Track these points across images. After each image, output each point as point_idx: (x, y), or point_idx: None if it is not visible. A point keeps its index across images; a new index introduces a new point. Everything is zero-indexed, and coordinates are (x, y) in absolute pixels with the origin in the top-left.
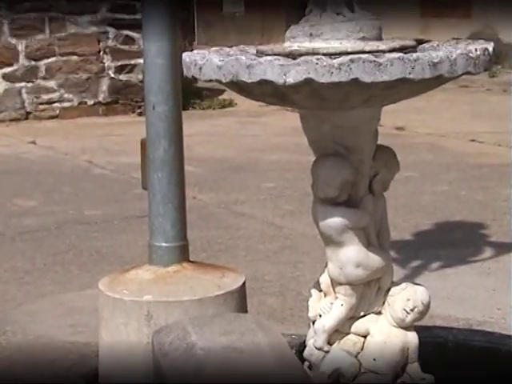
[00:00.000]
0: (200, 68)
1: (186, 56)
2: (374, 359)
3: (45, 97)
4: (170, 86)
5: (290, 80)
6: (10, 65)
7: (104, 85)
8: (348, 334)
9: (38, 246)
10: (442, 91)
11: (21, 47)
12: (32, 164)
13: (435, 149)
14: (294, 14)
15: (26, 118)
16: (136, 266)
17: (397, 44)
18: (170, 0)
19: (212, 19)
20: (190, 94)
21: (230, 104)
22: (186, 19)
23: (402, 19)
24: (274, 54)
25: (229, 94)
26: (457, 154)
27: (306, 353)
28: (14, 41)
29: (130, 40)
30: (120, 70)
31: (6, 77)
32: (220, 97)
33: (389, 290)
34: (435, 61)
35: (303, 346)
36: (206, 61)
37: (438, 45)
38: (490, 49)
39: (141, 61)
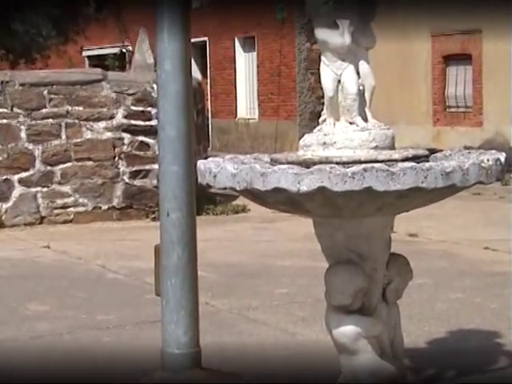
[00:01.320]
0: (214, 176)
1: (200, 164)
2: None
3: (60, 201)
4: (185, 193)
5: (304, 188)
6: (26, 170)
7: (118, 190)
8: None
9: (51, 351)
10: (455, 198)
11: (37, 152)
12: (45, 268)
13: (449, 256)
14: (306, 121)
15: (41, 223)
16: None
17: (409, 153)
18: (184, 111)
19: (226, 125)
20: (204, 199)
21: (244, 210)
22: (200, 125)
23: (415, 127)
24: (288, 163)
25: (242, 200)
26: (470, 261)
27: None
28: (30, 146)
29: (144, 146)
30: (135, 175)
31: (21, 181)
32: (233, 202)
33: None
34: (448, 170)
35: None
36: (221, 169)
37: (450, 154)
38: (502, 159)
39: (155, 166)
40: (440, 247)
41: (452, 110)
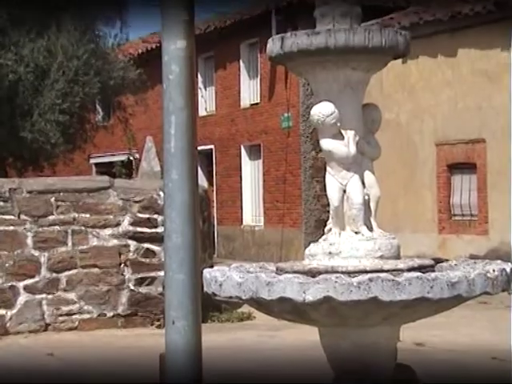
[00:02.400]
0: (220, 285)
1: (206, 272)
2: None
3: (65, 308)
4: (191, 301)
5: (310, 298)
6: (32, 276)
7: (124, 297)
8: None
9: None
10: (462, 307)
11: (43, 259)
12: (49, 376)
13: (456, 366)
14: (312, 229)
15: (45, 330)
16: None
17: (415, 263)
18: (190, 220)
19: (232, 232)
20: (210, 306)
21: (249, 317)
22: (206, 232)
23: (420, 235)
24: (294, 272)
25: (247, 307)
26: (479, 371)
27: None
28: (36, 253)
29: (150, 253)
30: (140, 282)
31: (27, 288)
32: (239, 310)
33: None
34: (453, 281)
35: None
36: (227, 277)
37: (455, 264)
38: (508, 269)
39: (161, 273)
40: (447, 357)
41: (457, 218)
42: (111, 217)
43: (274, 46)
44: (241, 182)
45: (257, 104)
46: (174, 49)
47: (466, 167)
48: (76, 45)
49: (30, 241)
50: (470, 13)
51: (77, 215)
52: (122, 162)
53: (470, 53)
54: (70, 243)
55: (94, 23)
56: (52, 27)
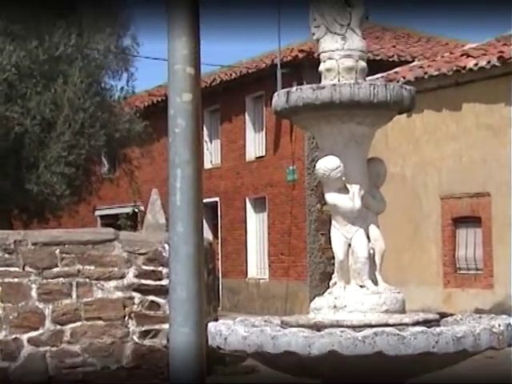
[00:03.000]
0: (225, 338)
1: (211, 326)
2: None
3: (68, 361)
4: (195, 354)
5: (315, 352)
6: (36, 329)
7: (128, 350)
8: None
9: None
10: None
11: (47, 311)
12: None
13: None
14: (317, 281)
15: (49, 383)
16: None
17: (420, 317)
18: (195, 274)
19: (236, 285)
20: (214, 360)
21: (253, 371)
22: (211, 285)
23: (426, 288)
24: (299, 326)
25: (252, 361)
26: None
27: None
28: (41, 305)
29: (155, 305)
30: (144, 334)
31: (30, 341)
32: (243, 363)
33: None
34: (459, 335)
35: None
36: (232, 331)
37: (461, 318)
38: None
39: (165, 326)
40: None
41: (462, 271)
42: (116, 269)
43: (279, 100)
44: (246, 235)
45: (262, 157)
46: (180, 102)
47: (471, 221)
48: (82, 97)
49: (34, 293)
50: (475, 67)
51: (81, 267)
52: (127, 214)
53: (474, 107)
54: (74, 295)
55: (101, 75)
56: (59, 80)
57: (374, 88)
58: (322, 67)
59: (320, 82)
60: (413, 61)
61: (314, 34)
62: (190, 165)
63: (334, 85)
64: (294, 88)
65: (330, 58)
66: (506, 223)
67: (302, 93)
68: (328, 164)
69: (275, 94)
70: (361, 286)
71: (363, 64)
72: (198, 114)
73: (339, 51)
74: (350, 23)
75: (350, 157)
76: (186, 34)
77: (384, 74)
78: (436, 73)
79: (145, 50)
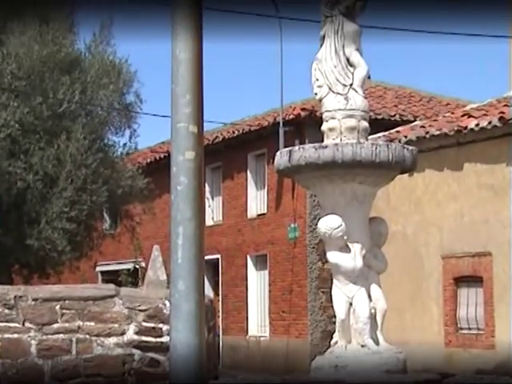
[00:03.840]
0: None
1: None
2: None
3: None
4: None
5: None
6: None
7: None
8: None
9: None
10: None
11: (46, 368)
12: None
13: None
14: (318, 340)
15: None
16: None
17: (421, 377)
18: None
19: (237, 343)
20: None
21: None
22: (211, 343)
23: (427, 348)
24: (300, 383)
25: None
26: None
27: None
28: (40, 361)
29: (155, 362)
30: None
31: None
32: None
33: None
34: None
35: None
36: None
37: (462, 377)
38: None
39: None
40: None
41: (464, 331)
42: (116, 325)
43: (281, 159)
44: (247, 292)
45: (264, 214)
46: (183, 160)
47: (473, 280)
48: (85, 153)
49: (33, 349)
50: (476, 128)
51: (82, 323)
52: (128, 270)
53: (475, 167)
54: (74, 351)
55: (103, 131)
56: (62, 136)
57: (376, 148)
58: (324, 127)
59: (322, 141)
60: (414, 120)
61: (316, 94)
62: (191, 222)
63: (337, 144)
64: (297, 147)
65: (333, 118)
66: (508, 283)
67: (305, 152)
68: (330, 223)
69: (277, 153)
70: (362, 346)
71: (365, 124)
72: (200, 172)
73: (342, 111)
74: (353, 83)
75: (352, 216)
76: (190, 92)
77: (386, 133)
78: (437, 132)
79: (148, 106)
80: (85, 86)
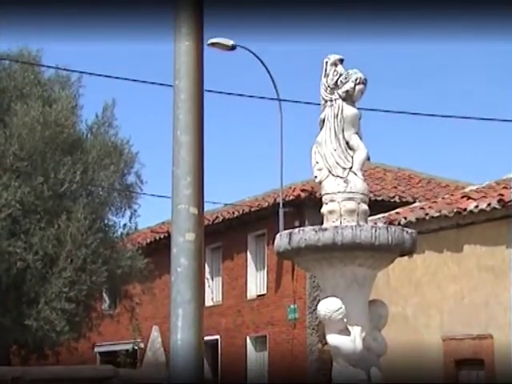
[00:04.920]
0: None
1: None
2: None
3: None
4: None
5: None
6: None
7: None
8: None
9: None
10: None
11: None
12: None
13: None
14: None
15: None
16: None
17: None
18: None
19: None
20: None
21: None
22: None
23: None
24: None
25: None
26: None
27: None
28: None
29: None
30: None
31: None
32: None
33: None
34: None
35: None
36: None
37: None
38: None
39: None
40: None
41: None
42: None
43: (281, 241)
44: (246, 373)
45: (263, 295)
46: (183, 241)
47: (474, 363)
48: (85, 233)
49: None
50: (475, 209)
51: None
52: (127, 351)
53: (475, 249)
54: None
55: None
56: (62, 216)
57: (376, 231)
58: (324, 209)
59: (322, 222)
60: (414, 202)
61: (316, 177)
62: (191, 304)
63: (336, 227)
64: (296, 229)
65: (332, 201)
66: (510, 366)
67: (305, 234)
68: (330, 305)
69: (277, 236)
70: None
71: (365, 206)
72: (200, 253)
73: (341, 194)
74: (352, 166)
75: (352, 299)
76: (191, 174)
77: (385, 215)
78: (437, 214)
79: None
80: (86, 166)
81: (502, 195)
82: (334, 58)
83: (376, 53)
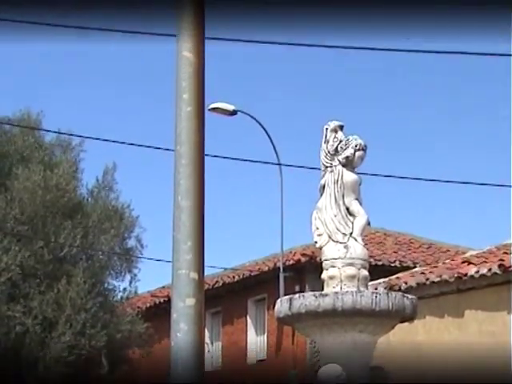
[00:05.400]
0: None
1: None
2: None
3: None
4: None
5: None
6: None
7: None
8: None
9: None
10: None
11: None
12: None
13: None
14: None
15: None
16: None
17: None
18: None
19: None
20: None
21: None
22: None
23: None
24: None
25: None
26: None
27: None
28: None
29: None
30: None
31: None
32: None
33: None
34: None
35: None
36: None
37: None
38: None
39: None
40: None
41: None
42: None
43: (282, 307)
44: None
45: (263, 360)
46: (183, 306)
47: None
48: (85, 298)
49: None
50: (476, 275)
51: None
52: None
53: (476, 314)
54: None
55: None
56: (62, 280)
57: (376, 297)
58: (324, 275)
59: (322, 287)
60: (414, 266)
61: (316, 242)
62: (192, 370)
63: (337, 293)
64: (297, 295)
65: (333, 266)
66: None
67: (305, 300)
68: (330, 371)
69: (278, 301)
70: None
71: (365, 272)
72: (200, 318)
73: (342, 259)
74: (352, 232)
75: (353, 365)
76: (192, 238)
77: (386, 280)
78: (438, 279)
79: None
80: (86, 230)
81: (502, 260)
82: (334, 124)
83: (377, 118)
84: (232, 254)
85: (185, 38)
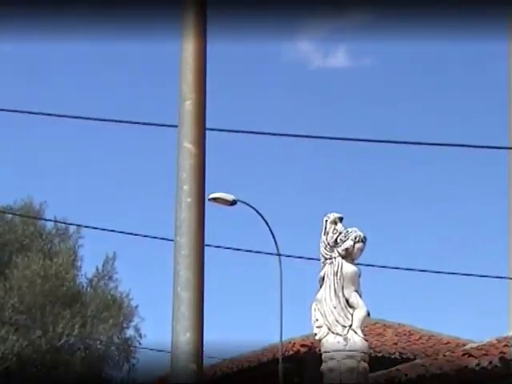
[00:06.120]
0: None
1: None
2: None
3: None
4: None
5: None
6: None
7: None
8: None
9: None
10: None
11: None
12: None
13: None
14: None
15: None
16: None
17: None
18: None
19: None
20: None
21: None
22: None
23: None
24: None
25: None
26: None
27: None
28: None
29: None
30: None
31: None
32: None
33: None
34: None
35: None
36: None
37: None
38: None
39: None
40: None
41: None
42: None
43: None
44: None
45: None
46: None
47: None
48: None
49: None
50: (476, 367)
51: None
52: None
53: None
54: None
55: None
56: (59, 370)
57: None
58: (324, 367)
59: (322, 379)
60: (414, 358)
61: (316, 334)
62: None
63: None
64: None
65: (332, 359)
66: None
67: None
68: None
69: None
70: None
71: (365, 364)
72: None
73: (341, 352)
74: (352, 324)
75: None
76: (191, 329)
77: (385, 371)
78: (438, 371)
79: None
80: (85, 319)
81: (503, 353)
82: (333, 216)
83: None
84: (230, 344)
85: (185, 129)
